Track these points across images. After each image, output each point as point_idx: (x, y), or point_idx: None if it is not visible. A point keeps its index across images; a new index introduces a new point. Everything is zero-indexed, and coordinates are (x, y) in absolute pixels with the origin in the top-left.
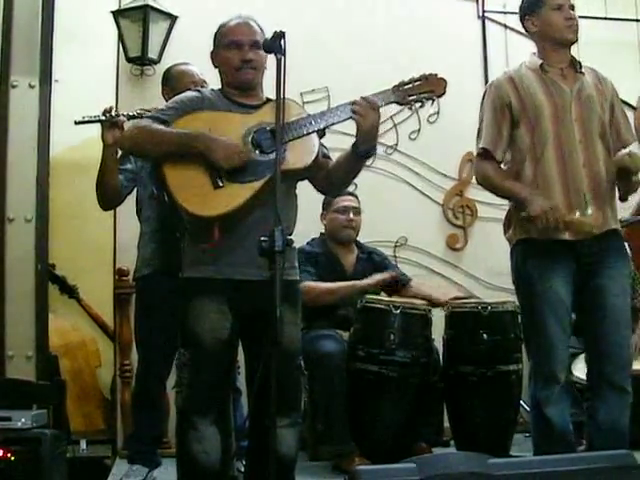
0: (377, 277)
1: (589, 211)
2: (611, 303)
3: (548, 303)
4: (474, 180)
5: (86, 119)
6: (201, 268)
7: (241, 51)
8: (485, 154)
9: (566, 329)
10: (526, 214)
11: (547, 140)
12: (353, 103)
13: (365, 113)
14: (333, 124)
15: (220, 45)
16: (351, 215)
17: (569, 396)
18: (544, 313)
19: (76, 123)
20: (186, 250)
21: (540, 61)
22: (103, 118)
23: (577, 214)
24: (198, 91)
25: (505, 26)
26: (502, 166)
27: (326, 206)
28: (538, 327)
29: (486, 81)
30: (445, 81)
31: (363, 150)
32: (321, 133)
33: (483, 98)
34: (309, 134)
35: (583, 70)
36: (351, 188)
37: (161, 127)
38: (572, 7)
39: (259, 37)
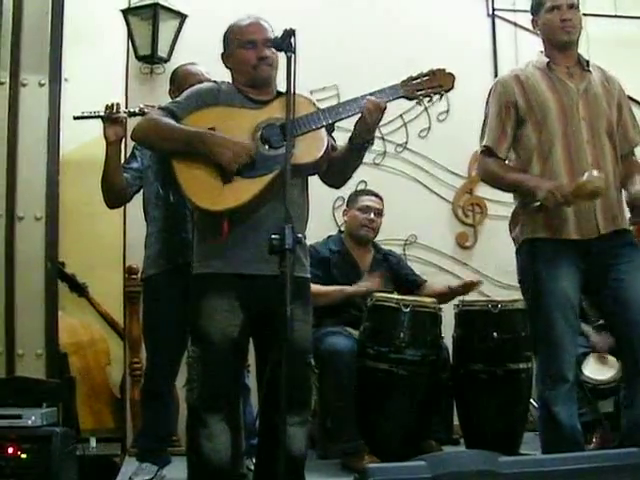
0: (365, 285)
1: (594, 173)
2: (633, 296)
3: (556, 302)
4: None
5: (85, 114)
6: (210, 263)
7: (257, 49)
8: (488, 152)
9: (574, 328)
10: (536, 205)
11: (554, 139)
12: (364, 98)
13: (375, 112)
14: (341, 119)
15: (234, 45)
16: (372, 215)
17: (577, 395)
18: (552, 312)
19: (75, 118)
20: (196, 247)
21: (547, 60)
22: (102, 114)
23: (584, 177)
24: (215, 82)
25: (515, 24)
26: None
27: (349, 203)
28: (546, 326)
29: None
30: (453, 76)
31: (358, 143)
32: (330, 128)
33: (489, 95)
34: (318, 129)
35: (590, 68)
36: (360, 185)
37: (170, 122)
38: (572, 6)
39: (271, 35)
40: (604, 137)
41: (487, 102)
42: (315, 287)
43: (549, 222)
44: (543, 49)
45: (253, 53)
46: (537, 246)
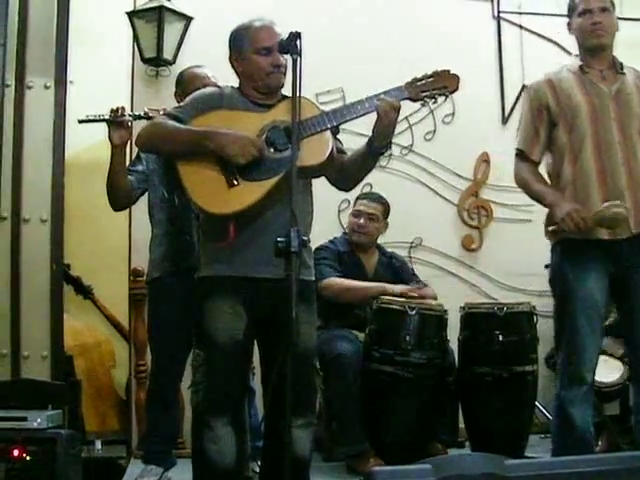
0: (404, 289)
1: (616, 202)
2: None
3: (581, 304)
4: (489, 181)
5: (90, 118)
6: (216, 266)
7: (272, 56)
8: (522, 155)
9: (597, 331)
10: (554, 227)
11: (585, 139)
12: (369, 100)
13: (390, 111)
14: (346, 121)
15: (248, 50)
16: (361, 220)
17: (592, 397)
18: (577, 314)
19: (80, 122)
20: (201, 249)
21: (580, 63)
22: (106, 117)
23: (605, 204)
24: (218, 87)
25: (520, 26)
26: (542, 167)
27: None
28: (570, 327)
29: (501, 81)
30: (458, 77)
31: (378, 147)
32: (335, 130)
33: (522, 101)
34: (322, 131)
35: (625, 70)
36: (366, 188)
37: (175, 125)
38: (604, 9)
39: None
40: (636, 137)
41: (522, 107)
42: (352, 282)
43: None
44: (578, 52)
45: (268, 60)
46: (567, 246)
